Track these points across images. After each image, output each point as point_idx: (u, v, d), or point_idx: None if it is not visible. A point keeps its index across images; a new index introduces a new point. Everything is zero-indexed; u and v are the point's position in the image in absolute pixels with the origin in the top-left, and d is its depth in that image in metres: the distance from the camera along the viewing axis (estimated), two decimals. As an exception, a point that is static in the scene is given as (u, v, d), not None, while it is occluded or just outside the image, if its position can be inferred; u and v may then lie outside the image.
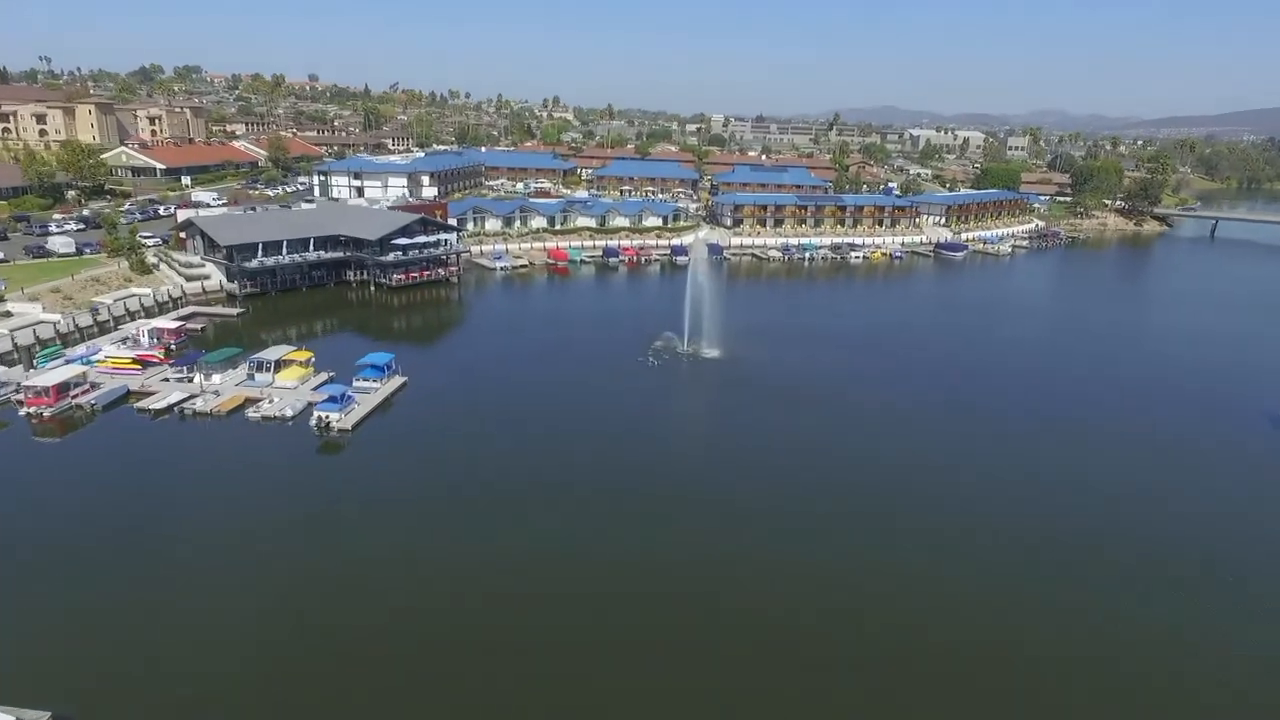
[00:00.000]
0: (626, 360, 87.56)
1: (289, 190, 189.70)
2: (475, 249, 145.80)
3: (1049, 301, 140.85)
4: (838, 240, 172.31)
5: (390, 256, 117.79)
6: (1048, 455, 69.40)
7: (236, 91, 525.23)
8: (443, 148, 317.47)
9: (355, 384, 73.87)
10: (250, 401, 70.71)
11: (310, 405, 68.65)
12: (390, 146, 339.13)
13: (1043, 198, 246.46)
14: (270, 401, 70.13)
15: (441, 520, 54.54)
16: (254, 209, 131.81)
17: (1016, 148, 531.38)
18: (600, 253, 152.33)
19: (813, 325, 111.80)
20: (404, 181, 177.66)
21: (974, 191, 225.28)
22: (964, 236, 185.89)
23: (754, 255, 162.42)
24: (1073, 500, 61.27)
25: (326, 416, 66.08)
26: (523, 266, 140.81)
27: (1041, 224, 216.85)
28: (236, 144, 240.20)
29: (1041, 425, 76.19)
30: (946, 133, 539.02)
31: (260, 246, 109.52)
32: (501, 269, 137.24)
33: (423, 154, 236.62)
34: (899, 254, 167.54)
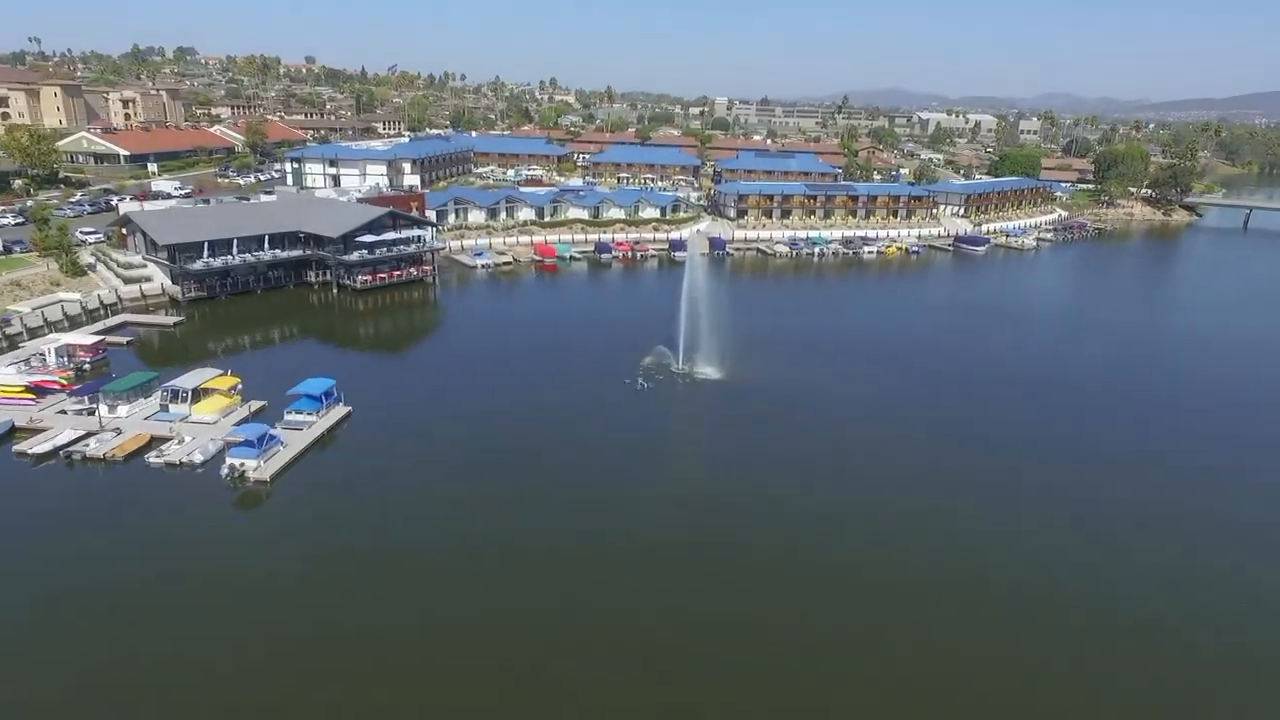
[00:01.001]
0: (612, 382, 75.74)
1: (262, 178, 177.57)
2: (456, 244, 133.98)
3: (1092, 305, 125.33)
4: (849, 233, 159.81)
5: (354, 255, 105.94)
6: (1152, 520, 57.67)
7: (230, 74, 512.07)
8: (436, 132, 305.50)
9: (287, 418, 62.40)
10: (157, 441, 59.17)
11: (228, 447, 57.01)
12: (381, 130, 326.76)
13: (1064, 185, 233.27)
14: (179, 442, 58.54)
15: (365, 606, 43.08)
16: (206, 201, 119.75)
17: (1029, 131, 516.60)
18: (592, 248, 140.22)
19: (826, 335, 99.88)
20: (383, 169, 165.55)
21: (994, 179, 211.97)
22: (984, 228, 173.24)
23: (759, 250, 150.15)
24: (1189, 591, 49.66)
25: (241, 464, 54.49)
26: (507, 264, 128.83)
27: (1064, 214, 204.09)
28: (214, 128, 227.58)
29: (1140, 473, 64.40)
30: (957, 116, 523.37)
31: (206, 245, 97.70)
32: (483, 267, 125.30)
33: (407, 139, 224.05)
34: (916, 248, 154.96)
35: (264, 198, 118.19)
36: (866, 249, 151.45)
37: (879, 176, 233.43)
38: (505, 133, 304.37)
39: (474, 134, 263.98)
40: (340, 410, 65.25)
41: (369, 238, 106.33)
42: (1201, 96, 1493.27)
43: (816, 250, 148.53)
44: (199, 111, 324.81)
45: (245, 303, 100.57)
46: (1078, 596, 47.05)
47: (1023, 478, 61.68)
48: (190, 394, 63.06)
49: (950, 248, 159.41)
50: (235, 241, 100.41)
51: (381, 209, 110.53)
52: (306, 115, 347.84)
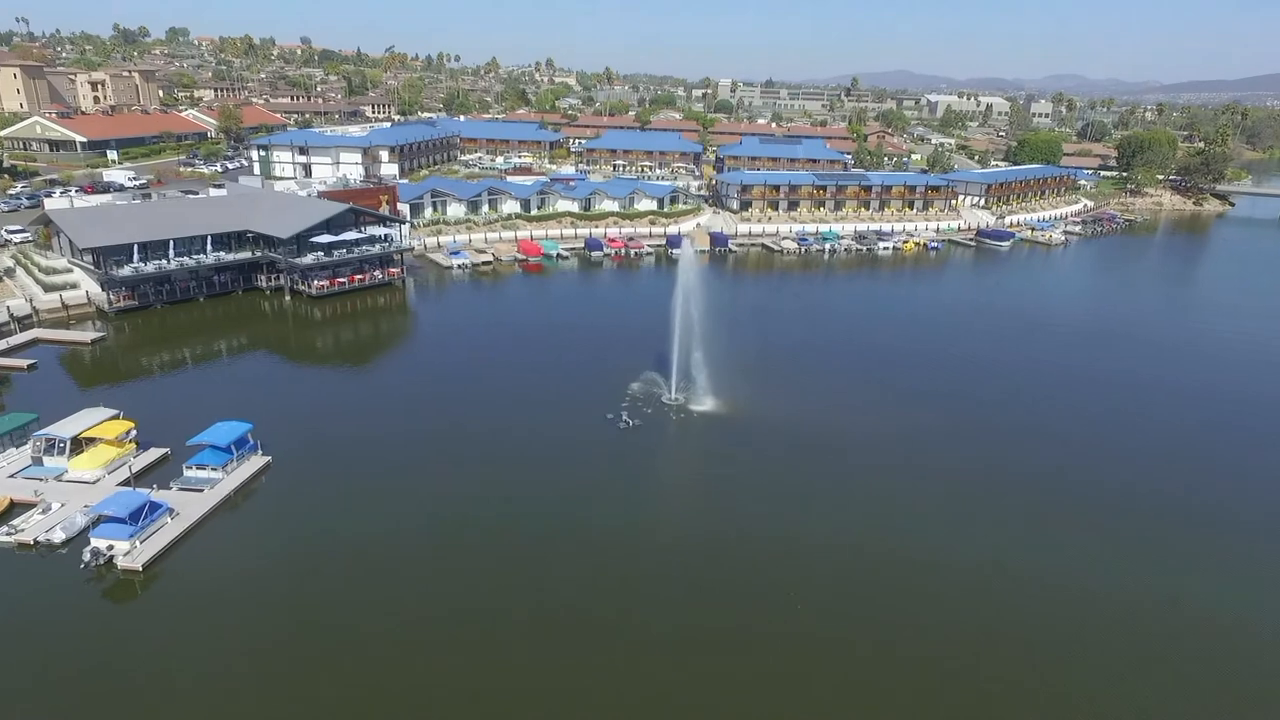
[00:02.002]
0: (591, 418, 63.93)
1: (230, 167, 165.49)
2: (432, 240, 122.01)
3: (1152, 314, 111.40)
4: (862, 227, 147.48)
5: (309, 258, 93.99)
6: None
7: (221, 56, 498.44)
8: (430, 115, 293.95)
9: (185, 475, 50.82)
10: (20, 508, 47.52)
11: (101, 520, 45.25)
12: (369, 114, 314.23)
13: (1086, 172, 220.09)
14: (43, 511, 46.85)
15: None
16: (147, 195, 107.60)
17: (1040, 114, 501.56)
18: (582, 245, 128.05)
19: (843, 350, 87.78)
20: (358, 157, 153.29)
21: (1016, 167, 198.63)
22: (1006, 221, 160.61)
23: (765, 246, 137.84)
24: None
25: (107, 547, 42.88)
26: (486, 264, 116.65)
27: (1089, 204, 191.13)
28: (186, 112, 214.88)
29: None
30: (968, 99, 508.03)
31: (136, 248, 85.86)
32: (459, 267, 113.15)
33: (389, 125, 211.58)
34: (935, 244, 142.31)
35: (213, 191, 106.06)
36: (882, 245, 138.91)
37: (890, 164, 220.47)
38: (499, 117, 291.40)
39: (462, 118, 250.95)
40: (257, 461, 53.56)
41: (325, 238, 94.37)
42: (1211, 78, 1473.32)
43: (827, 246, 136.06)
44: (181, 94, 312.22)
45: (184, 312, 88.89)
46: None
47: (1099, 544, 49.89)
48: (68, 444, 51.34)
49: (972, 243, 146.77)
50: (171, 243, 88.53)
51: (341, 205, 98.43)
52: (292, 99, 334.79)
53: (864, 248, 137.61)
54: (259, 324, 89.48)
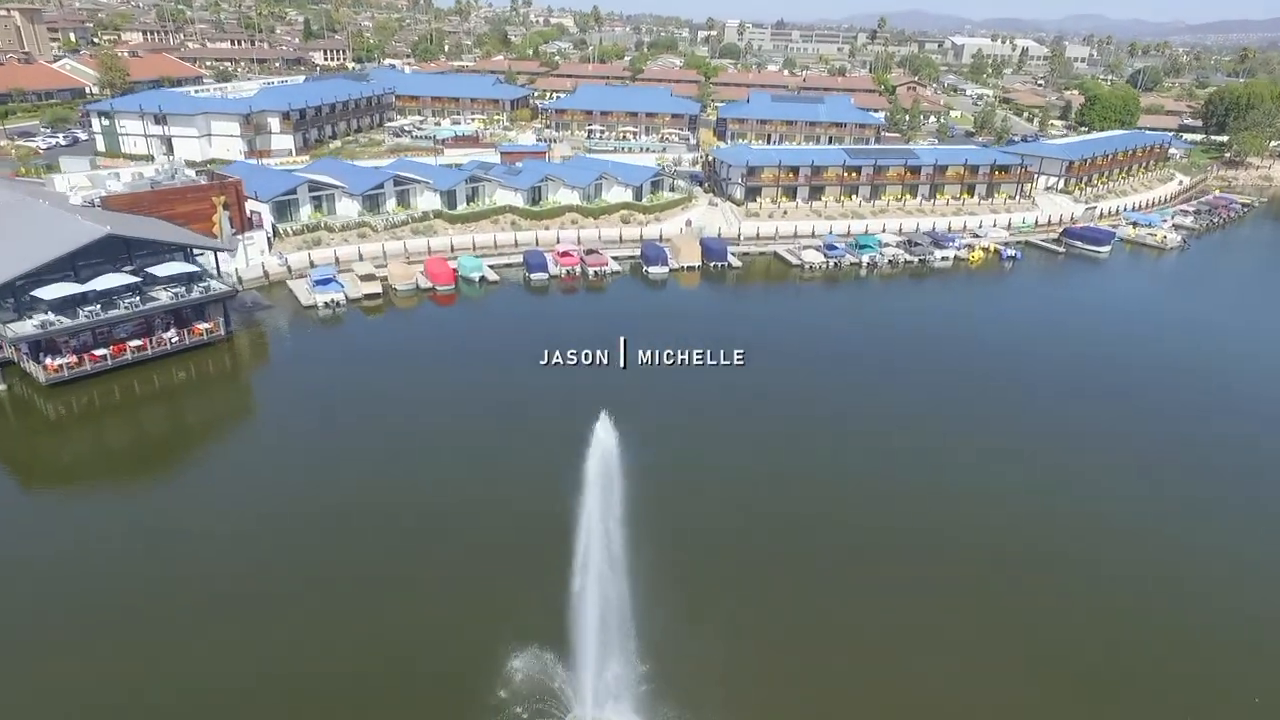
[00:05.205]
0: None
1: (83, 137, 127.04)
2: (305, 257, 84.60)
3: None
4: (910, 225, 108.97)
5: (30, 322, 57.10)
6: None
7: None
8: (393, 62, 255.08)
9: None
10: None
11: None
12: (319, 63, 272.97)
13: (1167, 136, 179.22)
14: None
15: None
16: None
17: (1076, 59, 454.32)
18: (520, 260, 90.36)
19: (908, 532, 50.26)
20: (237, 127, 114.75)
21: (1099, 136, 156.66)
22: (1098, 212, 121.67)
23: (777, 255, 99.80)
24: None
25: None
26: (371, 296, 79.00)
27: (1184, 180, 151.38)
28: (59, 63, 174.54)
29: None
30: (1002, 41, 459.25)
31: None
32: (326, 305, 75.89)
33: (304, 78, 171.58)
34: (1011, 251, 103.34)
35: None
36: (939, 253, 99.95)
37: (931, 130, 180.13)
38: (466, 65, 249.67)
39: (407, 69, 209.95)
40: None
41: (59, 289, 57.30)
42: (1238, 18, 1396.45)
43: (864, 259, 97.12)
44: (106, 39, 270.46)
45: None
46: None
47: None
48: None
49: (1058, 247, 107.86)
50: None
51: (96, 230, 60.71)
52: (233, 43, 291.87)
53: (915, 258, 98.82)
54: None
